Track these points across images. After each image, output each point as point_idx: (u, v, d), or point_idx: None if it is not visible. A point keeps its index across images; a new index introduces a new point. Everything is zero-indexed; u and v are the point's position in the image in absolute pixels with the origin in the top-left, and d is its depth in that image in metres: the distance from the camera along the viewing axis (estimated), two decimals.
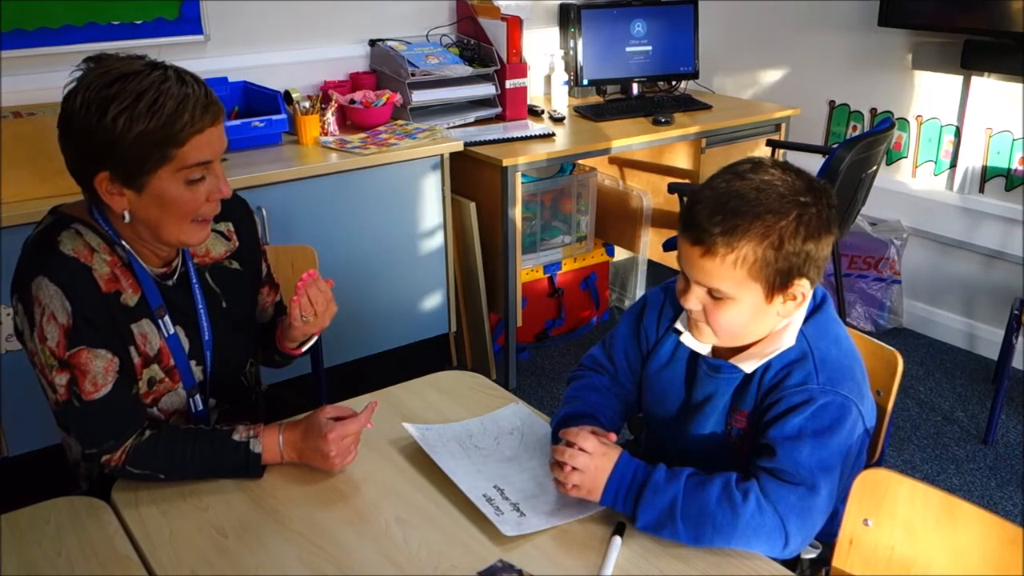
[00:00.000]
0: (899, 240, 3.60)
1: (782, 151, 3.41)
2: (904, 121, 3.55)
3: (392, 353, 3.02)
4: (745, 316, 1.31)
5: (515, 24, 3.23)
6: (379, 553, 1.27)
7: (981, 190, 3.40)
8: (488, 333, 3.24)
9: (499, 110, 3.28)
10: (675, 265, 3.67)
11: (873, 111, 3.64)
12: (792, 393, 1.31)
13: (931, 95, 3.46)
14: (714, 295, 1.30)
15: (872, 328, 3.65)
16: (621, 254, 3.92)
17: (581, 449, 1.31)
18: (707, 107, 3.52)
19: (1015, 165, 3.29)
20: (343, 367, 2.82)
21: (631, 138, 3.16)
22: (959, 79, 3.35)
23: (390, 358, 3.01)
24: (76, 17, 2.70)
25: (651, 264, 3.84)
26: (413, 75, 3.08)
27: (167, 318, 1.49)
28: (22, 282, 1.37)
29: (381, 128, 3.03)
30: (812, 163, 2.79)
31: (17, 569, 1.24)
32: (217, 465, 1.42)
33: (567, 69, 3.58)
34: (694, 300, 1.32)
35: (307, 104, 2.88)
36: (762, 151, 3.47)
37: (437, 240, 3.02)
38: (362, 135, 2.96)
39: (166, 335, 1.48)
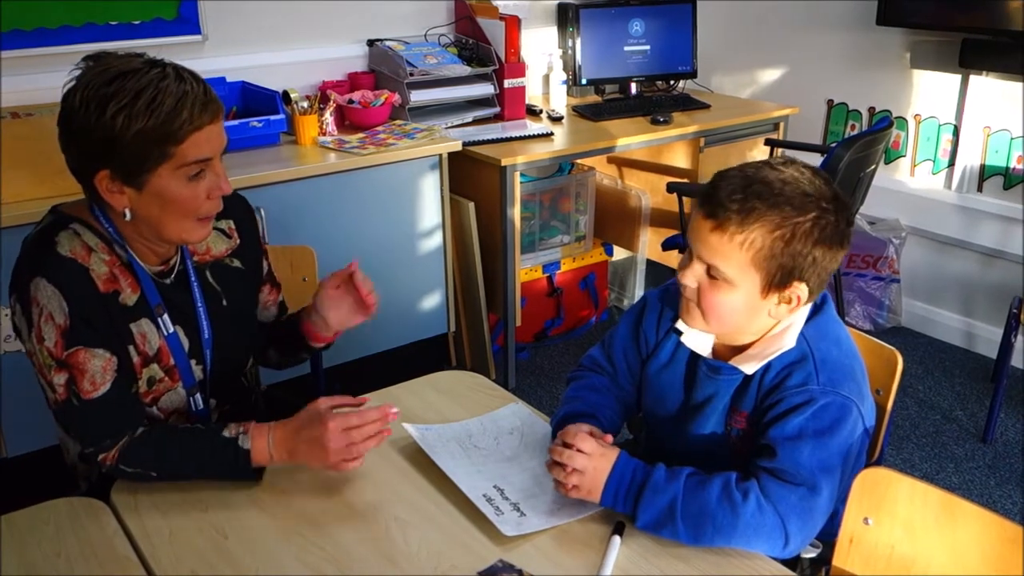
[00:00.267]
0: (898, 239, 3.60)
1: (780, 150, 3.41)
2: (902, 120, 3.55)
3: (391, 353, 3.02)
4: (737, 305, 1.31)
5: (513, 24, 3.23)
6: (379, 553, 1.26)
7: (979, 189, 3.40)
8: (487, 333, 3.24)
9: (497, 110, 3.28)
10: (674, 265, 3.67)
11: (871, 110, 3.64)
12: (793, 394, 1.31)
13: (929, 94, 3.46)
14: (712, 275, 1.30)
15: (871, 327, 3.65)
16: (620, 253, 3.92)
17: (579, 450, 1.31)
18: (705, 106, 3.52)
19: (1013, 164, 3.29)
20: (342, 367, 2.82)
21: (630, 137, 3.16)
22: (957, 78, 3.35)
23: (389, 358, 3.01)
24: (74, 17, 2.69)
25: (650, 264, 3.84)
26: (411, 75, 3.08)
27: (166, 317, 1.48)
28: (20, 282, 1.37)
29: (379, 128, 3.03)
30: (810, 162, 2.78)
31: (17, 570, 1.23)
32: (208, 462, 1.39)
33: (565, 69, 3.58)
34: (692, 276, 1.32)
35: (305, 104, 2.88)
36: (761, 150, 3.48)
37: (436, 240, 3.02)
38: (360, 135, 2.96)
39: (165, 334, 1.48)
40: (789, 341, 1.34)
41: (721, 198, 1.27)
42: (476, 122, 3.22)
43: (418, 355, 3.10)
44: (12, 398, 2.34)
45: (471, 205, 3.04)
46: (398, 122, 3.09)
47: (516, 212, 2.99)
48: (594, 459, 1.30)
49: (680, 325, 1.43)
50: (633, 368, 1.53)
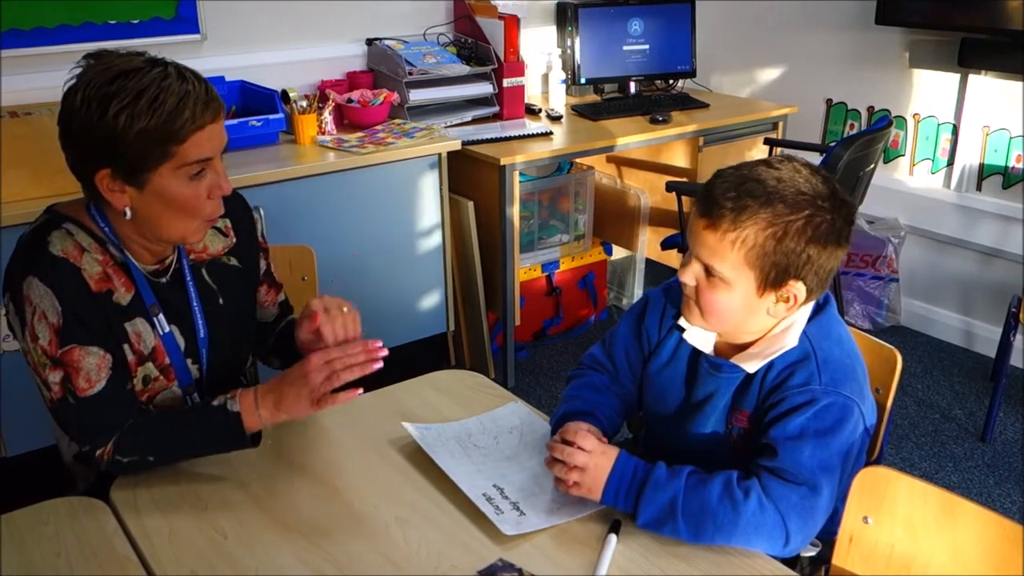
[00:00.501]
0: (897, 238, 3.60)
1: (779, 149, 3.41)
2: (901, 119, 3.55)
3: (390, 352, 3.01)
4: (734, 304, 1.31)
5: (512, 23, 3.22)
6: (379, 553, 1.26)
7: (978, 188, 3.40)
8: (486, 332, 3.24)
9: (496, 109, 3.28)
10: (673, 264, 3.67)
11: (870, 109, 3.64)
12: (795, 393, 1.31)
13: (928, 93, 3.46)
14: (709, 274, 1.31)
15: (870, 326, 3.65)
16: (619, 253, 3.92)
17: (580, 448, 1.31)
18: (704, 106, 3.52)
19: (1012, 163, 3.29)
20: None
21: (629, 137, 3.16)
22: (956, 77, 3.35)
23: (388, 357, 3.00)
24: (72, 17, 2.69)
25: (649, 263, 3.84)
26: (410, 74, 3.08)
27: (161, 317, 1.48)
28: (13, 281, 1.37)
29: (378, 127, 3.03)
30: (810, 161, 2.79)
31: (16, 570, 1.23)
32: (200, 434, 1.39)
33: (564, 68, 3.58)
34: (690, 274, 1.33)
35: (304, 103, 2.88)
36: (760, 150, 3.48)
37: (435, 239, 3.02)
38: (359, 134, 2.96)
39: (161, 334, 1.48)
40: (791, 340, 1.34)
41: (716, 197, 1.28)
42: (475, 121, 3.22)
43: (417, 354, 3.10)
44: (12, 398, 2.34)
45: (470, 204, 3.04)
46: (397, 121, 3.09)
47: (515, 211, 2.99)
48: (595, 456, 1.30)
49: (682, 322, 1.43)
50: (634, 366, 1.53)
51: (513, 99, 3.29)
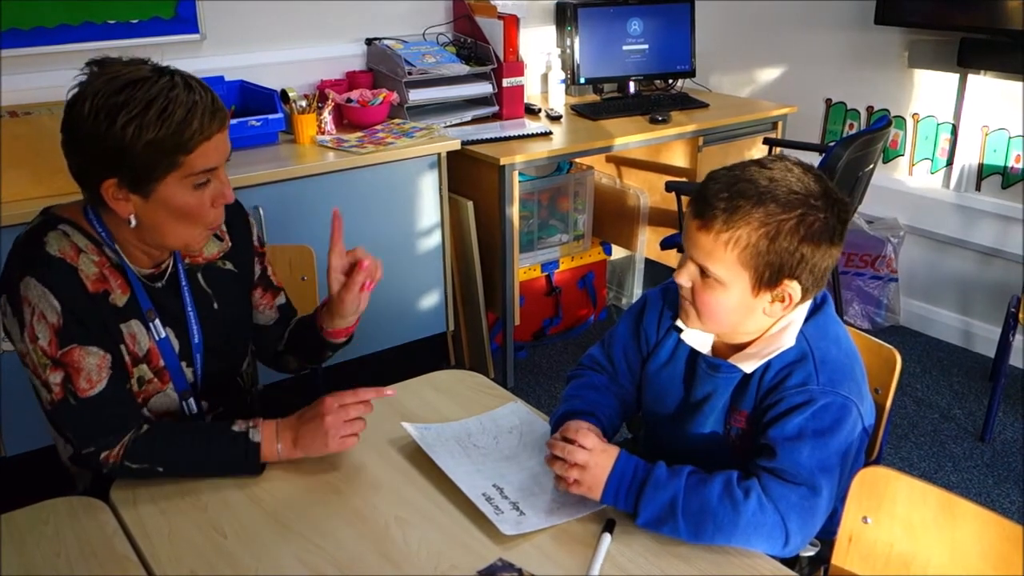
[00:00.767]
0: (896, 238, 3.60)
1: (779, 149, 3.41)
2: (901, 119, 3.55)
3: (390, 352, 3.02)
4: (730, 304, 1.32)
5: (512, 22, 3.23)
6: (379, 553, 1.26)
7: (977, 188, 3.40)
8: (486, 332, 3.24)
9: (496, 109, 3.28)
10: (673, 264, 3.66)
11: (870, 109, 3.65)
12: (793, 394, 1.31)
13: (927, 93, 3.46)
14: (704, 275, 1.31)
15: (869, 326, 3.65)
16: (618, 253, 3.92)
17: (581, 446, 1.31)
18: (704, 105, 3.52)
19: (1011, 163, 3.29)
20: (340, 366, 2.81)
21: (628, 136, 3.16)
22: (955, 77, 3.35)
23: (388, 357, 3.01)
24: (72, 16, 2.69)
25: (648, 263, 3.84)
26: (410, 74, 3.08)
27: (158, 322, 1.48)
28: (9, 283, 1.37)
29: (378, 127, 3.03)
30: (809, 161, 2.79)
31: (16, 569, 1.23)
32: (216, 456, 1.40)
33: (564, 67, 3.58)
34: (686, 276, 1.33)
35: (304, 103, 2.88)
36: (759, 149, 3.48)
37: (434, 239, 3.02)
38: (359, 134, 2.96)
39: (157, 339, 1.48)
40: (788, 340, 1.35)
41: (709, 197, 1.28)
42: (475, 121, 3.22)
43: (417, 354, 3.10)
44: (12, 398, 2.34)
45: (470, 204, 3.04)
46: (396, 121, 3.09)
47: (515, 211, 2.99)
48: (595, 455, 1.30)
49: (680, 323, 1.43)
50: (633, 367, 1.53)
51: (512, 99, 3.29)
